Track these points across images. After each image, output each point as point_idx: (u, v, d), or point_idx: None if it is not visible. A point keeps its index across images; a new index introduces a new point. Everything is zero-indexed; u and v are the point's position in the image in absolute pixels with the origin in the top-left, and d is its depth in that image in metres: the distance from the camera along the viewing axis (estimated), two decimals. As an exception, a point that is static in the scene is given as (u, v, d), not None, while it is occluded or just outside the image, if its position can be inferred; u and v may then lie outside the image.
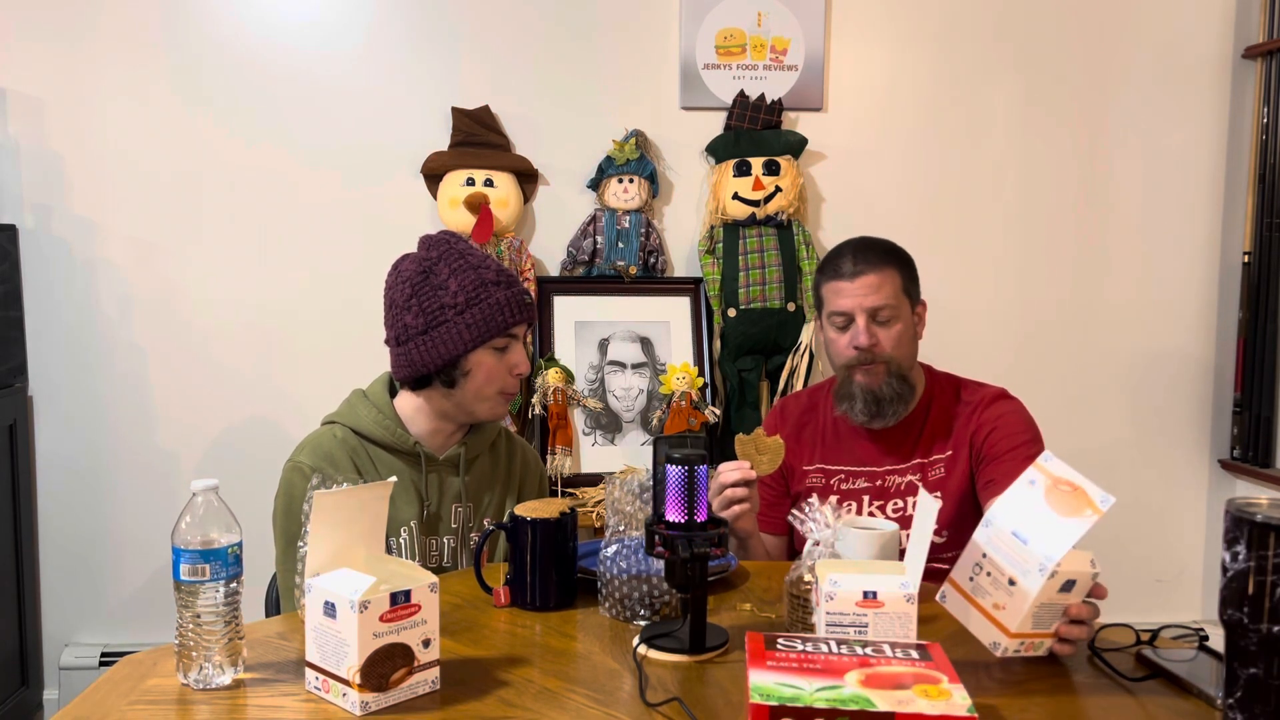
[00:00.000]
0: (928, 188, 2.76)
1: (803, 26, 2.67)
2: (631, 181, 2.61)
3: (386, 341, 1.58)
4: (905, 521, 1.62)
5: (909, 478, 1.73)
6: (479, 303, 1.51)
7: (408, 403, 1.60)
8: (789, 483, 1.83)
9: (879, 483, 1.75)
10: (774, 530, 1.81)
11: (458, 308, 1.50)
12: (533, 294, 2.58)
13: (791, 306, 2.60)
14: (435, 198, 2.61)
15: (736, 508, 1.52)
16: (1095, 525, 1.04)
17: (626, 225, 2.62)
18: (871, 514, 1.73)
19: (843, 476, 1.78)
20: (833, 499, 1.76)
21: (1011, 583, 1.06)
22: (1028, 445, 1.67)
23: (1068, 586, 1.07)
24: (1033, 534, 1.06)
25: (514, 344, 1.56)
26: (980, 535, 1.10)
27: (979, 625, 1.08)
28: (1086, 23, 2.74)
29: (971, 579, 1.10)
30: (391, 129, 2.62)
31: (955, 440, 1.73)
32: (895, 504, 1.74)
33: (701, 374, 2.58)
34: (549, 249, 2.69)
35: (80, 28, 2.53)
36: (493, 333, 1.52)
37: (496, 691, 1.08)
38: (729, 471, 1.51)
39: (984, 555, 1.09)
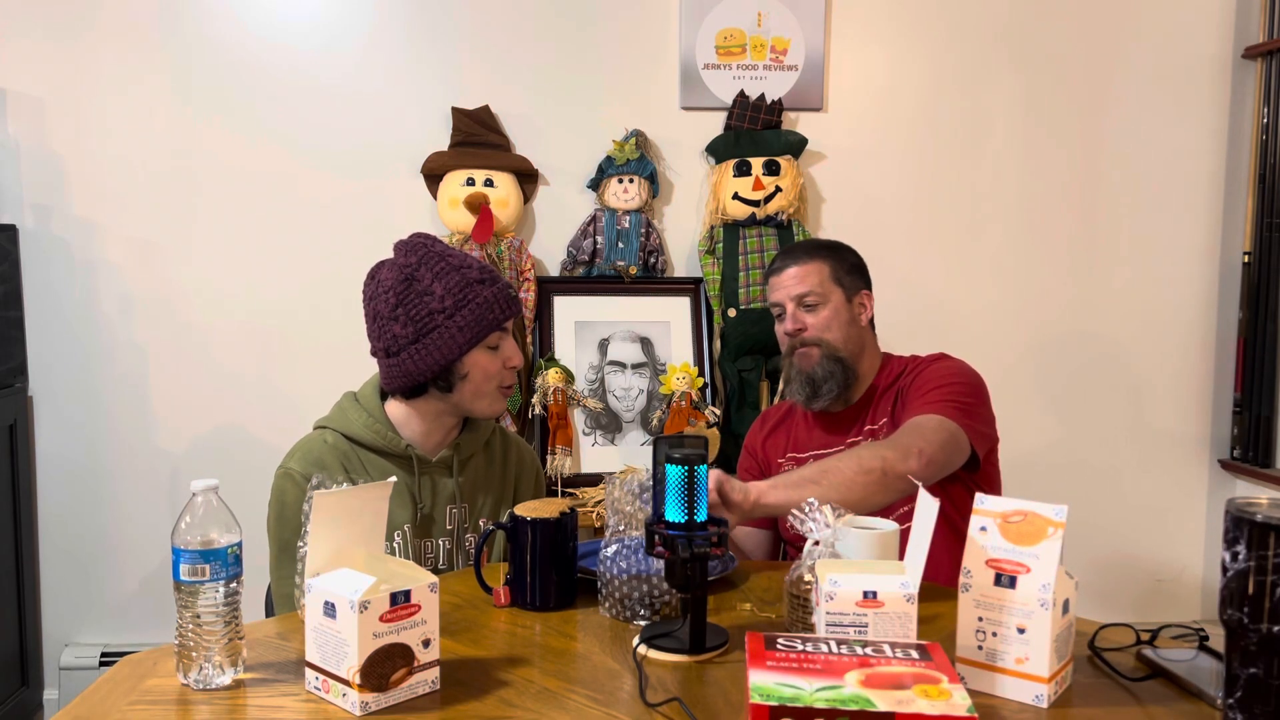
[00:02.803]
0: (928, 188, 2.75)
1: (803, 26, 2.67)
2: (631, 181, 2.61)
3: (374, 353, 1.57)
4: None
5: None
6: (467, 304, 1.50)
7: (400, 407, 1.59)
8: (766, 477, 1.84)
9: None
10: (755, 524, 1.84)
11: (446, 311, 1.49)
12: (533, 294, 2.58)
13: (791, 306, 2.60)
14: (435, 198, 2.61)
15: None
16: (1067, 537, 1.03)
17: (626, 225, 2.62)
18: None
19: (809, 460, 1.83)
20: None
21: (1021, 630, 1.05)
22: (937, 391, 1.69)
23: (1066, 607, 1.07)
24: (1015, 575, 1.05)
25: (505, 339, 1.56)
26: (965, 600, 1.08)
27: (1014, 687, 1.06)
28: (1086, 23, 2.74)
29: (980, 647, 1.07)
30: (391, 129, 2.62)
31: (895, 401, 1.80)
32: None
33: (701, 374, 2.58)
34: (549, 249, 2.69)
35: (80, 28, 2.53)
36: (485, 331, 1.51)
37: (496, 691, 1.08)
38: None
39: (980, 619, 1.07)
